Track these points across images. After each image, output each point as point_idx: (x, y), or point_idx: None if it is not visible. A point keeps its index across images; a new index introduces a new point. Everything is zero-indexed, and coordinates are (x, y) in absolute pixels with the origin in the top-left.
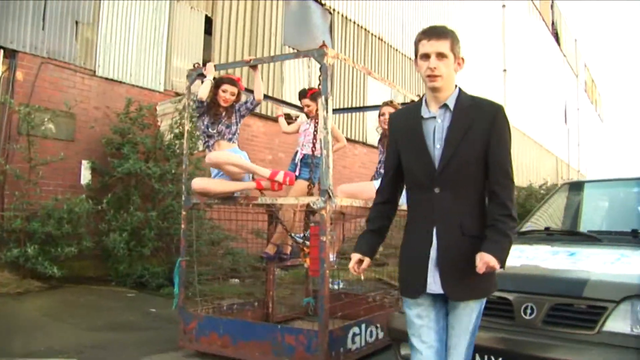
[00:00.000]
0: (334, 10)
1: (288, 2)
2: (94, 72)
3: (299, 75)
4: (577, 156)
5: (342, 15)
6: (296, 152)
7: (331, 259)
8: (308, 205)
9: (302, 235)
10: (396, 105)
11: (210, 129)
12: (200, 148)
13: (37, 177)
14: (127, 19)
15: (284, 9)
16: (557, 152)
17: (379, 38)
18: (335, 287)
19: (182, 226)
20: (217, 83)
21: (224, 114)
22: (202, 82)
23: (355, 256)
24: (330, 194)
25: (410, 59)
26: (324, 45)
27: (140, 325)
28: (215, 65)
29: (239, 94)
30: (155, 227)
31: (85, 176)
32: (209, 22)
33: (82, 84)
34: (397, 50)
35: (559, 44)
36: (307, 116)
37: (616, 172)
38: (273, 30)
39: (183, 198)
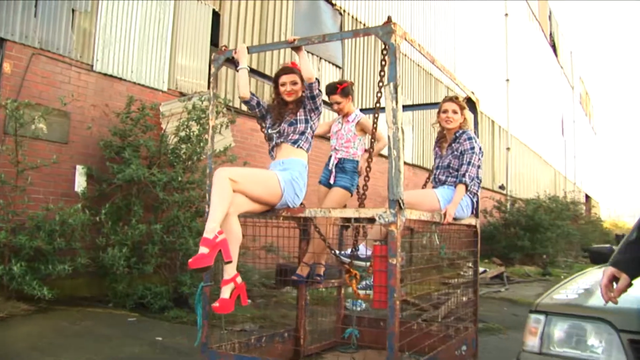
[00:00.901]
0: (344, 11)
1: (298, 1)
2: (92, 66)
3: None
4: (573, 168)
5: (352, 17)
6: (330, 157)
7: None
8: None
9: (349, 253)
10: (461, 102)
11: (270, 130)
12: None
13: (26, 184)
14: (128, 9)
15: (294, 7)
16: (554, 163)
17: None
18: (356, 308)
19: None
20: (275, 79)
21: (289, 111)
22: (237, 71)
23: (609, 272)
24: (402, 204)
25: (418, 64)
26: (389, 20)
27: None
28: (248, 48)
29: (303, 82)
30: (159, 242)
31: (80, 183)
32: (216, 17)
33: (78, 79)
34: (405, 55)
35: (556, 55)
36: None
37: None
38: (283, 29)
39: (207, 208)
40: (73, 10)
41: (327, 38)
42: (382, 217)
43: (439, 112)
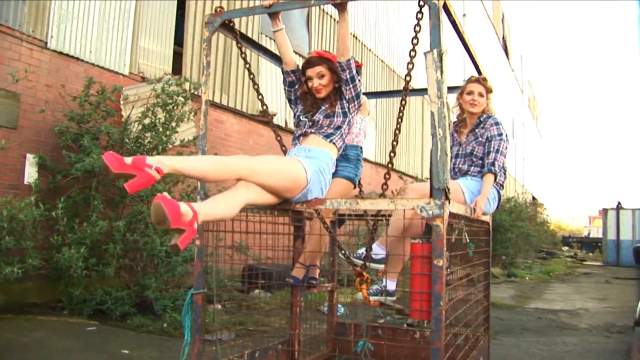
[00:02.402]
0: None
1: None
2: (46, 43)
3: None
4: (522, 171)
5: (320, 8)
6: None
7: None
8: (335, 212)
9: (361, 254)
10: (489, 84)
11: (302, 116)
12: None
13: None
14: None
15: None
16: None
17: (353, 35)
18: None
19: (197, 243)
20: (303, 73)
21: (325, 102)
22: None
23: None
24: (447, 194)
25: (382, 60)
26: None
27: None
28: (271, 4)
29: (333, 71)
30: (121, 240)
31: (31, 174)
32: None
33: (30, 57)
34: (369, 50)
35: (508, 58)
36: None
37: (554, 187)
38: (250, 17)
39: (199, 200)
40: None
41: None
42: (425, 209)
43: (461, 94)
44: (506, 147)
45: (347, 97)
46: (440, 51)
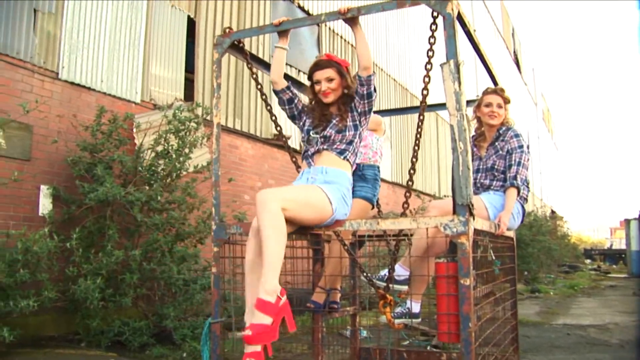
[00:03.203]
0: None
1: (276, 12)
2: (57, 74)
3: None
4: (539, 184)
5: (330, 29)
6: None
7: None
8: (354, 233)
9: (383, 276)
10: (506, 95)
11: (312, 133)
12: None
13: None
14: (97, 12)
15: (272, 14)
16: None
17: None
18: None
19: (213, 270)
20: (309, 77)
21: (335, 114)
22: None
23: None
24: (472, 210)
25: (394, 79)
26: None
27: None
28: (281, 21)
29: (342, 75)
30: (137, 270)
31: (45, 205)
32: (192, 24)
33: (42, 88)
34: (382, 69)
35: (520, 72)
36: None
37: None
38: (261, 38)
39: (213, 227)
40: (35, 11)
41: (362, 11)
42: (449, 227)
43: (479, 106)
44: (528, 160)
45: (359, 109)
46: (457, 62)
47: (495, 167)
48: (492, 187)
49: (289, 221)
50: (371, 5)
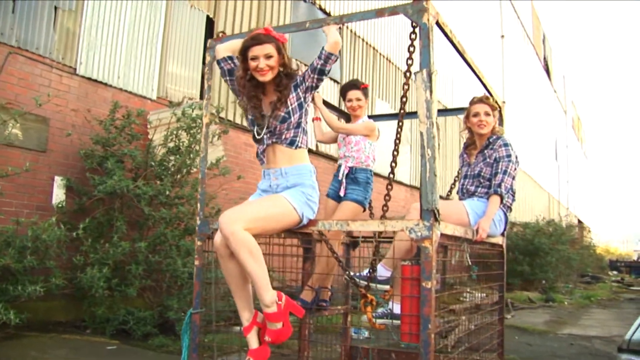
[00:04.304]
0: (343, 23)
1: (296, 13)
2: (75, 70)
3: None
4: (566, 193)
5: (351, 31)
6: (339, 167)
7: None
8: (348, 234)
9: (365, 274)
10: (493, 102)
11: (257, 128)
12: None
13: None
14: (116, 10)
15: (292, 15)
16: (548, 188)
17: (387, 59)
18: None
19: (196, 263)
20: (243, 51)
21: (272, 99)
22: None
23: None
24: (437, 215)
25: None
26: None
27: None
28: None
29: (282, 54)
30: (144, 262)
31: (58, 195)
32: (210, 23)
33: (60, 82)
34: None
35: (549, 79)
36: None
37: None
38: None
39: (198, 222)
40: (56, 8)
41: (343, 19)
42: (414, 230)
43: (467, 116)
44: (515, 169)
45: (307, 83)
46: (430, 71)
47: (482, 174)
48: (476, 194)
49: (260, 233)
50: (352, 14)
